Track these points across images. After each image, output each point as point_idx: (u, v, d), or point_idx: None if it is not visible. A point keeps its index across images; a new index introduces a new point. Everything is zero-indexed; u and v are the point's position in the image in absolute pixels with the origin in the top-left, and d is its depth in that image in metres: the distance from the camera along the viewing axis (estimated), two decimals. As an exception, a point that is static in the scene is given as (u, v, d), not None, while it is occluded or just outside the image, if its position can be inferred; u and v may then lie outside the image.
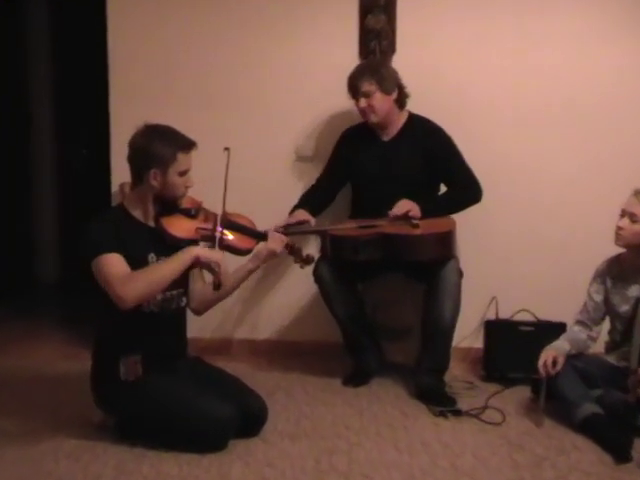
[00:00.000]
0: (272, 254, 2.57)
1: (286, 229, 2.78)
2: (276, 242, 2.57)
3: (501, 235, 3.34)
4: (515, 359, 3.03)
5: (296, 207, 3.08)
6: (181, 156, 2.37)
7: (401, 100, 3.07)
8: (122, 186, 3.19)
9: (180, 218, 2.44)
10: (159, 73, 3.40)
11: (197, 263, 2.37)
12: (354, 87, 3.00)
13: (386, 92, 2.99)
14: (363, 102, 2.98)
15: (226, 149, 2.47)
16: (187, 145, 2.39)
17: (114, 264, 2.28)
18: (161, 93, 3.38)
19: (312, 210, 3.06)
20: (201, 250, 2.37)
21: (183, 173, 2.39)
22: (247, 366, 3.26)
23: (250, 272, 2.58)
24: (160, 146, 2.34)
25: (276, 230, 2.65)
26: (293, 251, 2.65)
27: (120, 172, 3.04)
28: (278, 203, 3.15)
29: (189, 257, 2.33)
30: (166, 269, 2.32)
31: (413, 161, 3.04)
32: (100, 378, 2.47)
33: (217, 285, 2.34)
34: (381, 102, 2.99)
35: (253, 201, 3.02)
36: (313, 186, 3.23)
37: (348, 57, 3.28)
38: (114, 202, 3.26)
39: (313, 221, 2.97)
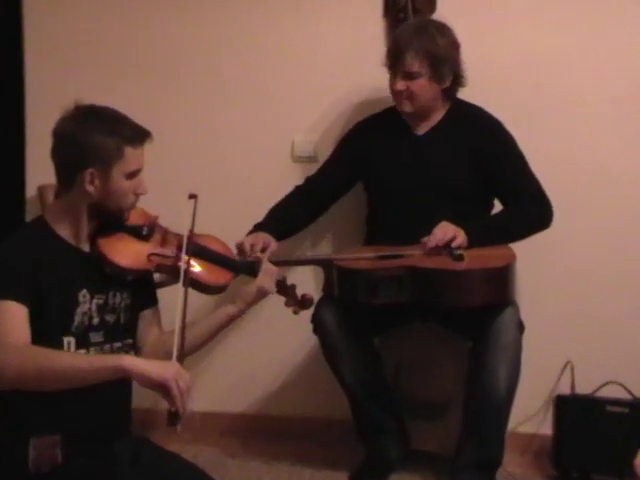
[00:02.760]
0: (262, 293, 2.53)
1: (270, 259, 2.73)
2: (265, 276, 2.54)
3: (579, 274, 3.32)
4: (600, 453, 3.04)
5: (259, 226, 3.01)
6: (129, 151, 2.32)
7: (452, 90, 3.07)
8: (42, 190, 3.20)
9: (126, 239, 2.41)
10: (100, 33, 3.42)
11: (131, 378, 2.19)
12: (397, 58, 2.98)
13: (437, 81, 3.00)
14: (401, 84, 2.99)
15: (192, 197, 2.42)
16: (138, 136, 2.34)
17: (10, 319, 2.18)
18: (103, 60, 3.42)
19: (284, 229, 3.03)
20: (136, 363, 2.16)
21: (132, 175, 2.34)
22: (214, 451, 3.29)
23: (231, 319, 2.52)
24: (99, 136, 2.29)
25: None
26: (284, 289, 2.60)
27: (39, 170, 3.05)
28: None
29: (111, 367, 2.14)
30: (74, 366, 2.17)
31: (457, 163, 3.04)
32: (-2, 469, 2.41)
33: (172, 417, 2.09)
34: (425, 90, 2.99)
35: (235, 216, 3.08)
36: (299, 187, 3.21)
37: (368, 20, 3.30)
38: (30, 215, 3.25)
39: (274, 246, 2.90)
